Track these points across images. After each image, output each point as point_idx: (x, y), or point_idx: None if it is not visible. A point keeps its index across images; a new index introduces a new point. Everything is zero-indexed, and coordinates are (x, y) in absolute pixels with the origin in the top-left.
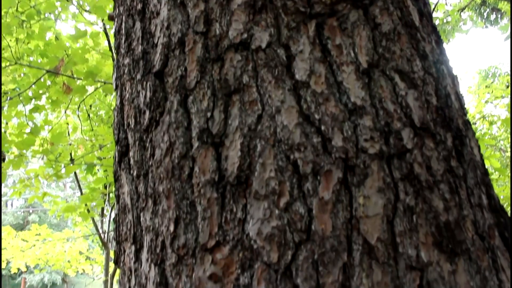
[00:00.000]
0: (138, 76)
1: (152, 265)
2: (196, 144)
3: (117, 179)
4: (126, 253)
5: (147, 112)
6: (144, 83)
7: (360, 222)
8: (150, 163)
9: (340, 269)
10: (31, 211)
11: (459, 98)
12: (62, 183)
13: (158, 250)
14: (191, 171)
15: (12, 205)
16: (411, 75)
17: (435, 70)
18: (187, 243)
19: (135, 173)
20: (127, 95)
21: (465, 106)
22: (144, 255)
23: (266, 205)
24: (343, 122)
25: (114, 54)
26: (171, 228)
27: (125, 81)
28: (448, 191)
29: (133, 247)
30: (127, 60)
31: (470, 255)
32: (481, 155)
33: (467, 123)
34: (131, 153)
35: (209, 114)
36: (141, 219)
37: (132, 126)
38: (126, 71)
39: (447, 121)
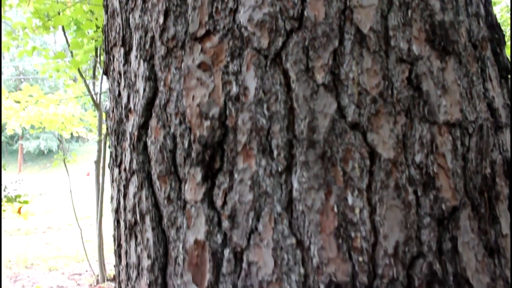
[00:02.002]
0: None
1: (141, 62)
2: None
3: None
4: (115, 59)
5: None
6: None
7: (353, 12)
8: None
9: (330, 54)
10: (22, 79)
11: None
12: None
13: (147, 46)
14: None
15: (3, 73)
16: None
17: None
18: (176, 35)
19: None
20: None
21: None
22: (133, 55)
23: None
24: None
25: None
26: (161, 20)
27: None
28: None
29: (122, 50)
30: None
31: (460, 59)
32: None
33: None
34: None
35: None
36: (130, 20)
37: None
38: None
39: None
